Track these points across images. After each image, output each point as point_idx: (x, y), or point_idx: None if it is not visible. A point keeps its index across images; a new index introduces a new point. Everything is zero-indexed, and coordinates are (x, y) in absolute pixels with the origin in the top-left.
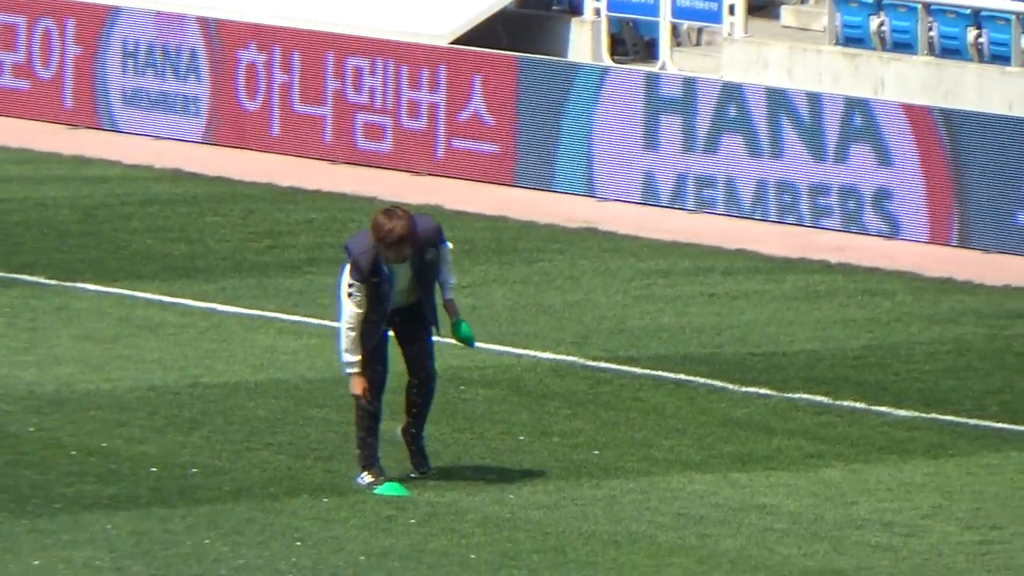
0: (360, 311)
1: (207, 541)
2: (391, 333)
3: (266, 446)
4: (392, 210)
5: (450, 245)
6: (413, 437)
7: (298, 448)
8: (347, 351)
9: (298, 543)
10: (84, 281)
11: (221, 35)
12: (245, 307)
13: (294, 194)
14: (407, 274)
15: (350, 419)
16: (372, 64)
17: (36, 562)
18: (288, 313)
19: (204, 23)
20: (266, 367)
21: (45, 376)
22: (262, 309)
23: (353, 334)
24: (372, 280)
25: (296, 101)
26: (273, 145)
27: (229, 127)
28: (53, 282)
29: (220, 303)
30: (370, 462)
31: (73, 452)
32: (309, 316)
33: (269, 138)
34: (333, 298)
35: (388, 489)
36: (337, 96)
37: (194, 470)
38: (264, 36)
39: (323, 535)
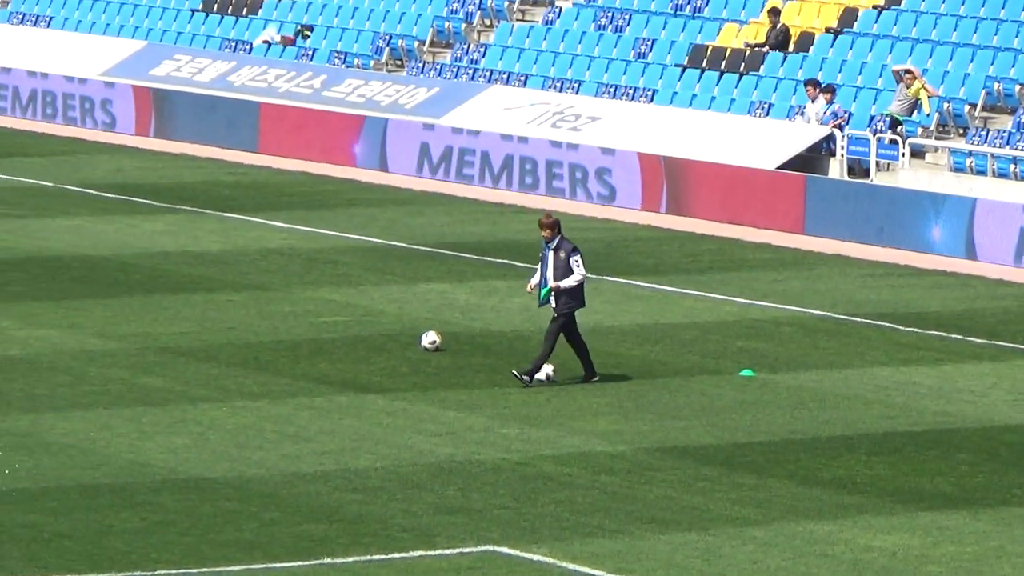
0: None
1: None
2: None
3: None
4: (549, 214)
5: (578, 258)
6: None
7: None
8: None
9: None
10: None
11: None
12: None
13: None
14: (551, 262)
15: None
16: (742, 178)
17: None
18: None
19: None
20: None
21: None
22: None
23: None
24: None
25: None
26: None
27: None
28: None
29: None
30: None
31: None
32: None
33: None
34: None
35: (745, 371)
36: (724, 193)
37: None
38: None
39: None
